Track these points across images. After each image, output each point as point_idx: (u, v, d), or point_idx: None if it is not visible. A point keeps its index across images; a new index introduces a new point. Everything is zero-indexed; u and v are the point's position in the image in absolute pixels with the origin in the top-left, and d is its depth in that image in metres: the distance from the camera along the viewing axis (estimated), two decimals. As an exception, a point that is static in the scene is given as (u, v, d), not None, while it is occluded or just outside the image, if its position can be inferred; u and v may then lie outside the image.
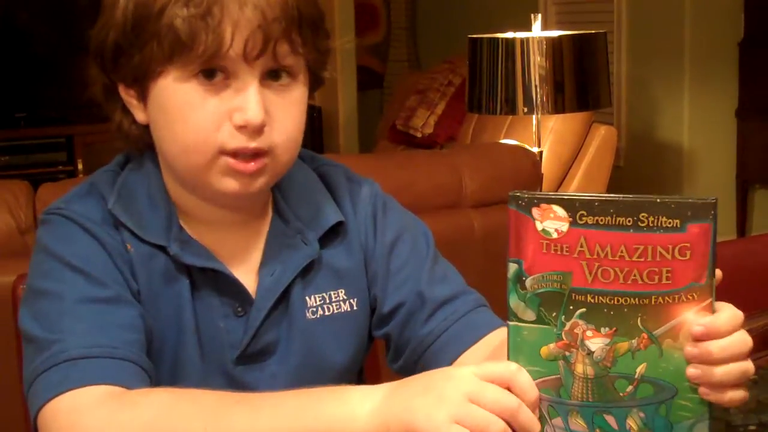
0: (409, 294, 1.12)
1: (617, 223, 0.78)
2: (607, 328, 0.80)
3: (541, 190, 3.02)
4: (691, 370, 0.82)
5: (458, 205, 2.53)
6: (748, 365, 0.83)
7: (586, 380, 0.81)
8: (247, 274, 1.08)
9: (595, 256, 0.80)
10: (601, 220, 0.79)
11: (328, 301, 1.11)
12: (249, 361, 1.08)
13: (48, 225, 1.05)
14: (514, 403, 0.80)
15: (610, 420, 0.82)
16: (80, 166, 5.39)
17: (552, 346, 0.82)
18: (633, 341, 0.80)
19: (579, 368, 0.81)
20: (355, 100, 5.59)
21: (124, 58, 1.01)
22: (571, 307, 0.81)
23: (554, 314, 0.82)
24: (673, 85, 4.47)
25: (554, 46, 3.10)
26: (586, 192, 3.58)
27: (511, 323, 0.83)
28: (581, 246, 0.80)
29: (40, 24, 5.62)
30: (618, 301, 0.80)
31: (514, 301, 0.83)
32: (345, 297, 1.12)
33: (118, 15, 1.00)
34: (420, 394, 0.82)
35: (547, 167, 3.38)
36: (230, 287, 1.07)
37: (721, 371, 0.81)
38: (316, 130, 5.31)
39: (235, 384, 1.07)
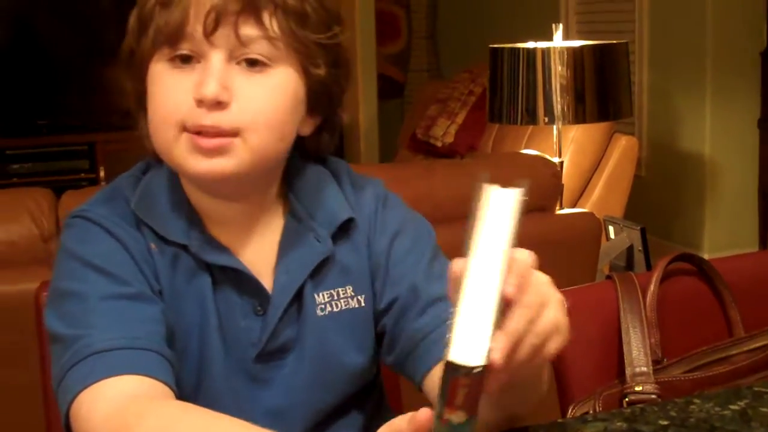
0: (404, 289, 1.13)
1: None
2: None
3: (561, 200, 3.02)
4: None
5: (478, 214, 2.52)
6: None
7: None
8: (262, 272, 1.10)
9: None
10: None
11: (336, 298, 1.12)
12: (268, 359, 1.10)
13: (71, 228, 1.08)
14: None
15: None
16: (102, 174, 5.42)
17: None
18: None
19: None
20: (375, 109, 5.60)
21: (134, 57, 1.07)
22: None
23: None
24: (695, 94, 4.45)
25: (575, 56, 3.10)
26: (608, 202, 3.57)
27: None
28: None
29: (62, 31, 5.65)
30: None
31: None
32: (353, 293, 1.14)
33: (131, 21, 1.07)
34: None
35: (567, 177, 3.37)
36: (249, 286, 1.09)
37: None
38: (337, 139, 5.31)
39: (257, 381, 1.10)
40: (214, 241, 1.09)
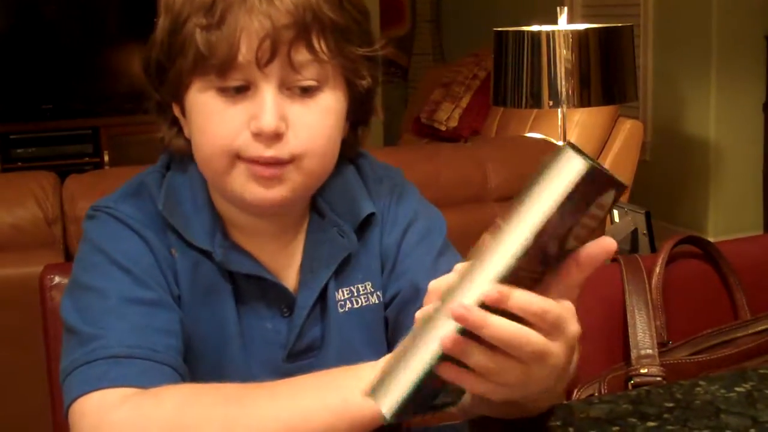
0: (406, 283, 1.11)
1: None
2: None
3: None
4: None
5: (483, 198, 2.52)
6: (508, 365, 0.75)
7: None
8: (287, 272, 1.09)
9: None
10: None
11: (356, 294, 1.11)
12: (297, 359, 1.09)
13: (97, 221, 1.06)
14: None
15: None
16: (106, 158, 5.42)
17: None
18: None
19: None
20: (379, 93, 5.58)
21: (164, 74, 1.03)
22: None
23: None
24: (700, 78, 4.44)
25: (580, 40, 3.09)
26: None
27: None
28: None
29: (66, 15, 5.65)
30: None
31: None
32: (372, 289, 1.12)
33: (158, 32, 1.03)
34: None
35: (572, 161, 3.36)
36: (274, 291, 1.08)
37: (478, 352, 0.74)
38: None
39: None
40: (238, 247, 1.07)
